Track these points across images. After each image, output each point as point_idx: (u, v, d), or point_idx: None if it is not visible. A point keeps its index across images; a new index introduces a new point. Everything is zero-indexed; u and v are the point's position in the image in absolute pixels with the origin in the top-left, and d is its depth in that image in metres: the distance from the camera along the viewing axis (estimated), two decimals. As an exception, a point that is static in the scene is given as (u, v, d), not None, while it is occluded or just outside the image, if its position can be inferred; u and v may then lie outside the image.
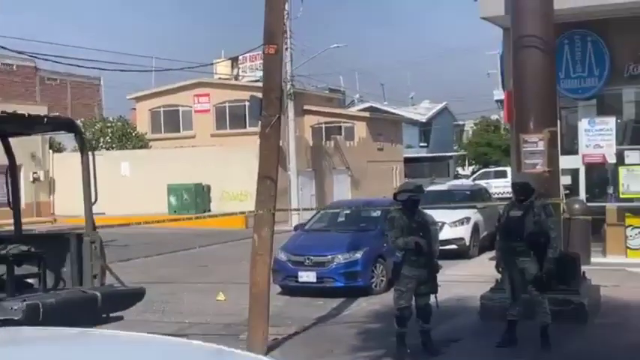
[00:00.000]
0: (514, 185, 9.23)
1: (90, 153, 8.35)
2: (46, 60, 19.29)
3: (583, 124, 15.04)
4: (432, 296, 9.08)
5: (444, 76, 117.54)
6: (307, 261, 14.05)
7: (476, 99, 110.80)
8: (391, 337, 9.08)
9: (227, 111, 41.94)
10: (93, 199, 8.26)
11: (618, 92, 15.62)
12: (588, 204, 15.05)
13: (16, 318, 6.73)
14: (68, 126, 8.71)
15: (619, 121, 15.46)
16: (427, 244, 8.88)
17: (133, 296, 8.29)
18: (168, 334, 10.77)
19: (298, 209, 27.42)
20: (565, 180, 14.00)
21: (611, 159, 14.93)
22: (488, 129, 64.28)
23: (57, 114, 17.30)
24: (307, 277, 13.93)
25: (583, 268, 11.28)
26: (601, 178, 16.05)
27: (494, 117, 64.55)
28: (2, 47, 16.17)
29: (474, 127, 68.37)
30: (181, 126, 42.86)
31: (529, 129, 10.72)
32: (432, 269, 9.03)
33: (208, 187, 33.31)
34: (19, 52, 16.97)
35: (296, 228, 16.96)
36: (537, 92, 10.71)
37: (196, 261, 20.04)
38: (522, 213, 8.95)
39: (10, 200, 9.07)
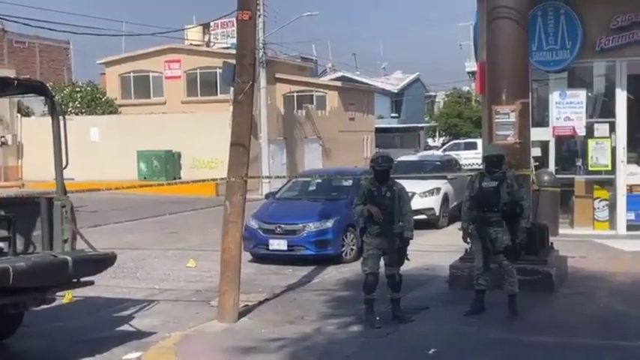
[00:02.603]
0: (490, 157, 9.23)
1: (61, 117, 8.25)
2: (15, 22, 18.98)
3: (554, 97, 15.16)
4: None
5: (416, 47, 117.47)
6: (278, 229, 14.08)
7: (447, 70, 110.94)
8: (361, 304, 9.16)
9: (198, 78, 41.61)
10: (64, 164, 8.17)
11: (589, 65, 15.73)
12: (557, 176, 15.22)
13: (-15, 281, 6.67)
14: (39, 89, 8.58)
15: (589, 94, 15.60)
16: (380, 214, 8.81)
17: (103, 261, 8.25)
18: (139, 300, 10.81)
19: (269, 177, 27.40)
20: (535, 152, 14.10)
21: (581, 132, 15.09)
22: (460, 101, 64.55)
23: (27, 77, 17.03)
24: (278, 244, 13.97)
25: (551, 238, 11.45)
26: (570, 150, 16.21)
27: (465, 89, 64.84)
28: (-31, 8, 15.87)
29: (445, 99, 68.57)
30: (152, 92, 42.45)
31: (501, 100, 10.76)
32: (396, 241, 8.94)
33: (179, 154, 33.14)
34: (-13, 14, 16.68)
35: (267, 196, 16.97)
36: (510, 64, 10.73)
37: (166, 228, 20.00)
38: (497, 184, 9.03)
39: (-21, 164, 8.96)
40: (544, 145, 15.44)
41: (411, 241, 9.11)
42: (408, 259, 9.15)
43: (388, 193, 8.97)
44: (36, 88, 8.71)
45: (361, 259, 9.39)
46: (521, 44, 10.92)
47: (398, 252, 9.00)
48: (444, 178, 19.53)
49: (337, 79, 53.35)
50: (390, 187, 9.03)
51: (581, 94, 15.08)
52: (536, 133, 13.66)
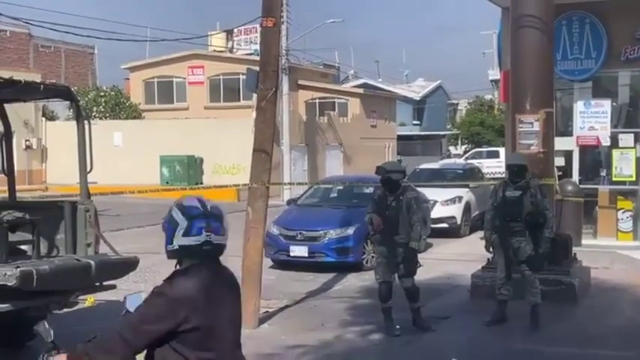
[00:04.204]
0: (512, 167, 9.18)
1: (86, 122, 8.31)
2: (41, 27, 19.17)
3: (578, 106, 15.07)
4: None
5: (439, 55, 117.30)
6: (299, 235, 14.08)
7: (470, 78, 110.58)
8: (381, 312, 9.12)
9: (221, 83, 41.79)
10: (88, 168, 8.23)
11: (614, 75, 15.65)
12: (581, 186, 15.12)
13: (9, 284, 6.71)
14: (65, 94, 8.64)
15: (614, 104, 15.49)
16: (380, 224, 8.75)
17: (126, 265, 8.29)
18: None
19: (291, 183, 27.43)
20: (558, 161, 14.03)
21: (605, 142, 14.97)
22: (482, 109, 64.24)
23: (53, 81, 17.15)
24: (299, 251, 13.96)
25: (574, 249, 11.36)
26: (594, 160, 16.12)
27: (488, 97, 64.54)
28: (-3, 13, 16.02)
29: (468, 107, 68.32)
30: (175, 97, 42.70)
31: (525, 109, 10.72)
32: (397, 250, 8.84)
33: (201, 160, 33.24)
34: (14, 18, 16.84)
35: (288, 202, 16.98)
36: (535, 73, 10.69)
37: (188, 233, 20.01)
38: (520, 193, 8.96)
39: (5, 167, 9.04)
40: (568, 154, 15.35)
41: (418, 252, 8.96)
42: (418, 266, 9.07)
43: (394, 202, 8.87)
44: (62, 92, 8.78)
45: None
46: (545, 53, 10.87)
47: (403, 262, 8.88)
48: (466, 186, 19.45)
49: (359, 86, 53.32)
50: (397, 196, 8.91)
51: (606, 104, 14.97)
52: (560, 143, 13.59)
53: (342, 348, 8.45)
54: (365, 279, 12.75)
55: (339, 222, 14.19)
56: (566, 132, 15.45)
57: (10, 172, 9.04)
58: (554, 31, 11.59)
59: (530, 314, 8.97)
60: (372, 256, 14.07)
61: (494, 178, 27.66)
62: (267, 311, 10.02)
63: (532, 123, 10.65)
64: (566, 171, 15.37)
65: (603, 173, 15.59)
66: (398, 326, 8.95)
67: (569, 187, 14.65)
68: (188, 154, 32.61)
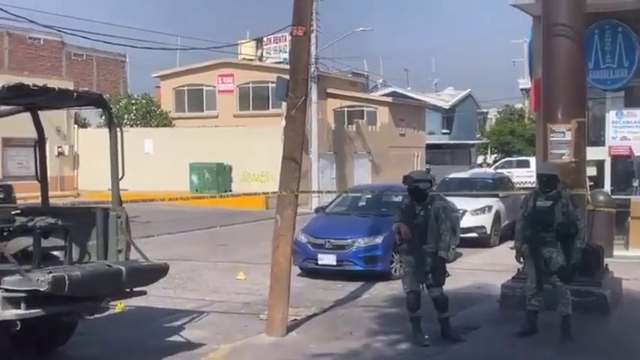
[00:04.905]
0: (542, 176, 9.12)
1: (118, 129, 8.40)
2: (74, 35, 19.40)
3: (611, 116, 14.97)
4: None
5: (469, 63, 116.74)
6: (327, 244, 14.07)
7: (500, 87, 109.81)
8: (409, 322, 9.09)
9: (250, 92, 42.01)
10: (120, 175, 8.30)
11: (647, 85, 15.48)
12: (613, 196, 14.96)
13: (42, 289, 6.80)
14: (98, 102, 8.74)
15: (647, 113, 15.33)
16: (408, 233, 8.72)
17: (156, 272, 8.35)
18: (189, 311, 10.90)
19: (320, 192, 27.46)
20: (590, 171, 13.88)
21: (638, 151, 14.84)
22: (512, 118, 63.86)
23: (86, 89, 17.33)
24: (327, 259, 13.96)
25: (605, 260, 11.22)
26: (626, 170, 15.95)
27: (518, 106, 64.14)
28: (30, 21, 16.29)
29: (498, 116, 67.93)
30: (205, 105, 43.00)
31: (557, 119, 10.63)
32: (426, 260, 8.80)
33: (230, 167, 33.42)
34: (47, 27, 17.09)
35: (317, 210, 16.99)
36: (566, 82, 10.59)
37: (217, 240, 20.15)
38: (552, 203, 8.88)
39: (38, 173, 9.15)
40: (600, 164, 15.21)
41: (447, 261, 8.92)
42: (448, 276, 9.05)
43: (422, 211, 8.85)
44: (95, 100, 8.87)
45: None
46: (577, 62, 10.77)
47: (432, 272, 8.85)
48: (496, 196, 19.33)
49: (388, 94, 53.28)
50: (425, 205, 8.88)
51: (639, 114, 14.85)
52: (592, 153, 13.46)
53: (370, 357, 8.43)
54: (393, 288, 12.72)
55: (367, 230, 14.17)
56: (598, 142, 15.32)
57: (43, 179, 9.15)
58: (586, 40, 11.49)
59: (560, 325, 8.87)
60: (401, 265, 14.05)
61: (524, 188, 27.50)
62: (295, 319, 10.03)
63: (564, 132, 10.55)
64: (597, 181, 15.22)
65: (636, 183, 15.44)
66: (427, 336, 8.90)
67: (601, 198, 14.50)
68: (217, 161, 32.81)
